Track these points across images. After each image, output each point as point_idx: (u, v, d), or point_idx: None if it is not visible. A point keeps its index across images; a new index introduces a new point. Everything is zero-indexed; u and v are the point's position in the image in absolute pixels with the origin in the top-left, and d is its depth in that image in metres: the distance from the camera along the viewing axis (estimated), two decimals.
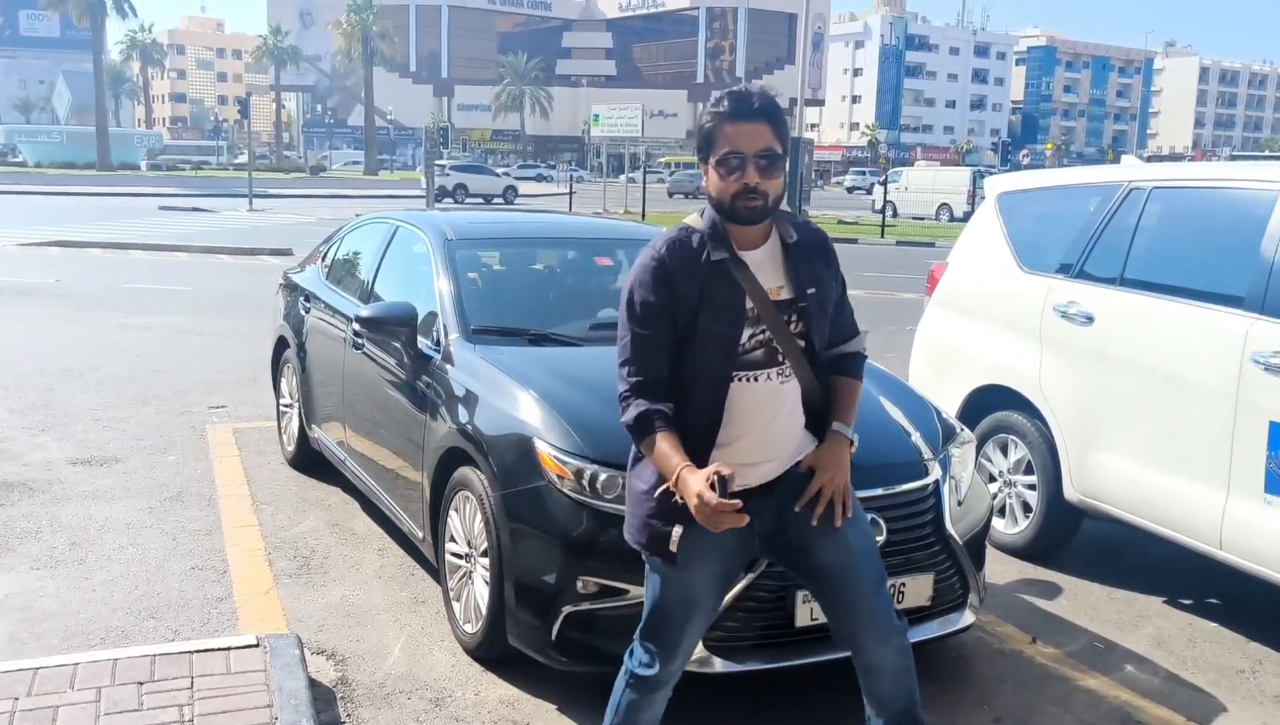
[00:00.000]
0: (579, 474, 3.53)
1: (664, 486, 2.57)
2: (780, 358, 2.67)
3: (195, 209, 33.55)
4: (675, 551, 2.62)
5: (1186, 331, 4.50)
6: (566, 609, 3.49)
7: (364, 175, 67.90)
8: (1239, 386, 4.22)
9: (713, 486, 2.40)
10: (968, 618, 3.87)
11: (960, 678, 4.03)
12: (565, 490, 3.54)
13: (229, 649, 3.60)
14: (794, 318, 2.67)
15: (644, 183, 35.29)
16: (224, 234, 24.13)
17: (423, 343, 4.60)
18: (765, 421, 2.68)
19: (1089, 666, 4.15)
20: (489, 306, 4.78)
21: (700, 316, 2.60)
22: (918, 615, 3.71)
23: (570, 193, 35.41)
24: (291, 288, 6.73)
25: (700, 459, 2.57)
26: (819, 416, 2.76)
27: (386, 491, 4.91)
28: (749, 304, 2.63)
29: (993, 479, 5.45)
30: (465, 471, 3.99)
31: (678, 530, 2.60)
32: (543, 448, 3.65)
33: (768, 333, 2.65)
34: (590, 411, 3.80)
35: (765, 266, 2.67)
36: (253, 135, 41.20)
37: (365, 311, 4.74)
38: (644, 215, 31.27)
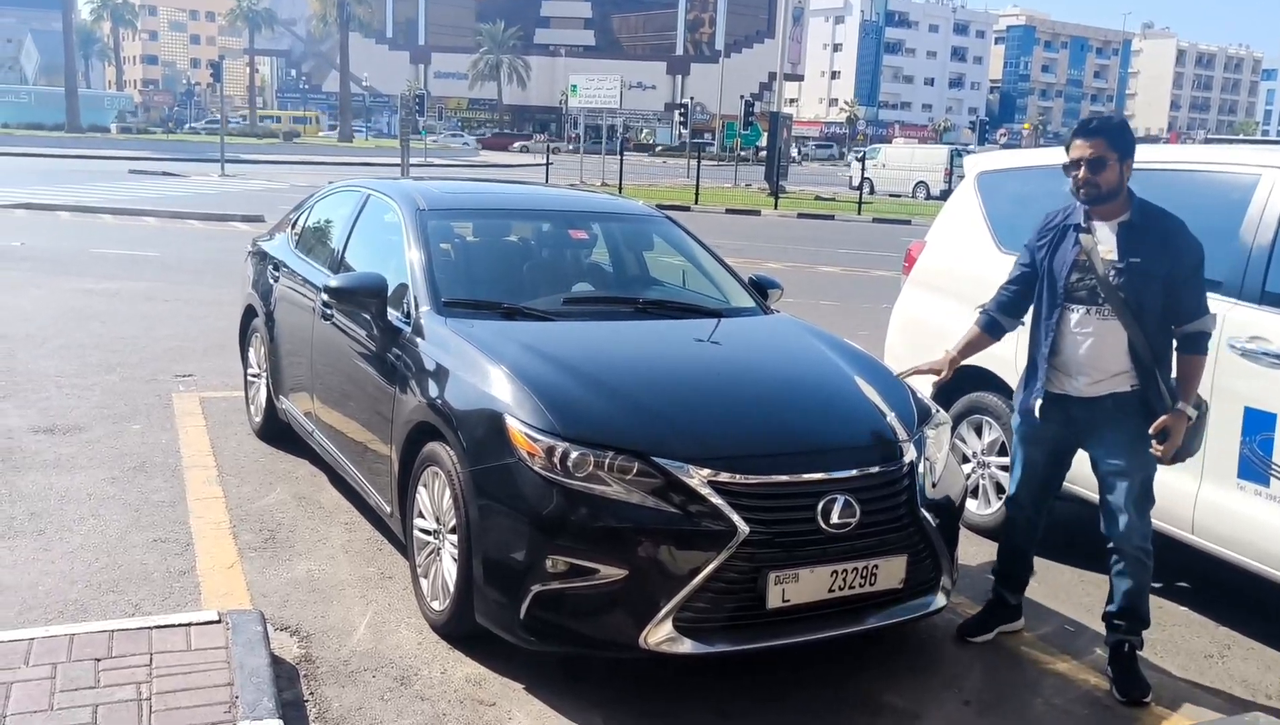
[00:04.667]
0: (550, 452, 3.47)
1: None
2: (1101, 300, 3.69)
3: (166, 173, 33.09)
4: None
5: None
6: (535, 588, 3.44)
7: (338, 142, 67.15)
8: (1214, 372, 4.21)
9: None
10: (940, 600, 3.85)
11: (931, 660, 4.01)
12: (536, 468, 3.48)
13: (190, 625, 3.52)
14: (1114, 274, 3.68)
15: (621, 156, 35.07)
16: (194, 199, 23.81)
17: (393, 315, 4.52)
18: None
19: (1059, 649, 4.15)
20: (461, 279, 4.69)
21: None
22: (890, 598, 3.70)
23: (547, 164, 35.12)
24: (260, 256, 6.61)
25: None
26: (1141, 362, 3.68)
27: (354, 465, 4.83)
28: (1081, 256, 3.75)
29: (966, 460, 5.44)
30: (434, 447, 3.92)
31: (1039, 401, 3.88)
32: (514, 425, 3.58)
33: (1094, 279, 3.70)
34: (563, 388, 3.73)
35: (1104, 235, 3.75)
36: (225, 100, 40.65)
37: (334, 282, 4.64)
38: (621, 188, 31.10)
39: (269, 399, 6.10)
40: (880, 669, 3.88)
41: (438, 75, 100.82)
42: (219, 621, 3.55)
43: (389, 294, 4.55)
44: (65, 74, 62.85)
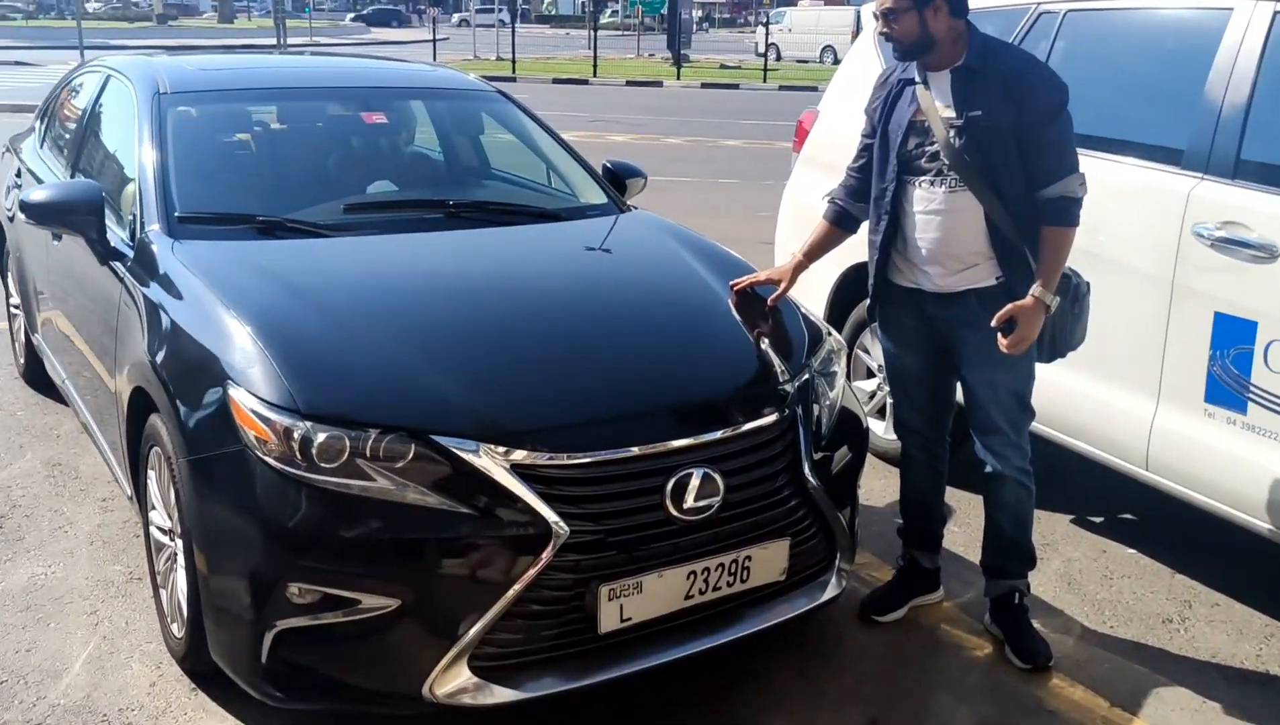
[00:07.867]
0: (287, 435, 2.45)
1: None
2: (946, 169, 2.92)
3: (19, 63, 30.22)
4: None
5: (1108, 196, 3.50)
6: (278, 624, 2.46)
7: (219, 24, 62.87)
8: (1176, 267, 3.32)
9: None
10: (835, 587, 2.97)
11: (828, 659, 3.14)
12: (269, 459, 2.46)
13: None
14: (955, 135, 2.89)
15: (514, 26, 33.02)
16: (43, 91, 21.60)
17: (116, 236, 3.41)
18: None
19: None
20: (207, 184, 3.56)
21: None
22: (771, 592, 2.81)
23: (434, 40, 32.89)
24: (15, 156, 5.36)
25: None
26: (1006, 245, 2.93)
27: (97, 428, 3.77)
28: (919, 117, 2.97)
29: (871, 375, 4.55)
30: (155, 421, 2.88)
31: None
32: (238, 397, 2.54)
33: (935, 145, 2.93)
34: (314, 341, 2.70)
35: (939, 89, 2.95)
36: None
37: (31, 195, 3.47)
38: (514, 64, 29.25)
39: (28, 336, 4.95)
40: (763, 678, 2.99)
41: None
42: None
43: (117, 208, 3.44)
44: None
